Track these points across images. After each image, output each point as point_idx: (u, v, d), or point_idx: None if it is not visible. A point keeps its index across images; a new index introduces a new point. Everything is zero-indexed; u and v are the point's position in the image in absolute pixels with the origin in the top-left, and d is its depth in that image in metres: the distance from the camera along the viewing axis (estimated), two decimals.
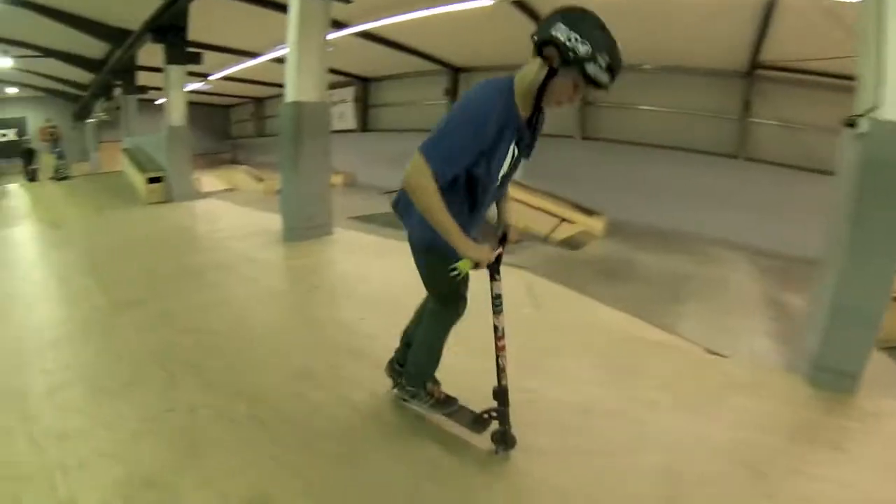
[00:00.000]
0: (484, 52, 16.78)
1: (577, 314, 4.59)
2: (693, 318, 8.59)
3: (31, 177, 18.47)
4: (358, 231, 7.77)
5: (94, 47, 17.20)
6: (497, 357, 2.42)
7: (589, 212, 14.83)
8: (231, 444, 2.63)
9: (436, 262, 2.27)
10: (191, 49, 12.05)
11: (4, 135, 26.26)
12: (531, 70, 2.03)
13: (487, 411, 2.55)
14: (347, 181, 21.69)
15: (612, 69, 1.95)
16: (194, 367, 3.45)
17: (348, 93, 22.63)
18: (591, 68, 1.91)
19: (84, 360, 3.68)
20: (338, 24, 15.01)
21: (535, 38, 1.98)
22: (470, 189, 2.18)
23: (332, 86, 23.04)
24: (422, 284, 2.48)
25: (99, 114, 19.97)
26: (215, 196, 13.18)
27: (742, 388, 3.41)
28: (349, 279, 5.63)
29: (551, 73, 1.97)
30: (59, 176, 17.54)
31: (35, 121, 26.90)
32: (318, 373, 3.38)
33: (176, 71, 11.71)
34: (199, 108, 27.11)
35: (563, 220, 14.16)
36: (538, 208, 14.14)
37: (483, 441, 2.61)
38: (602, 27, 1.92)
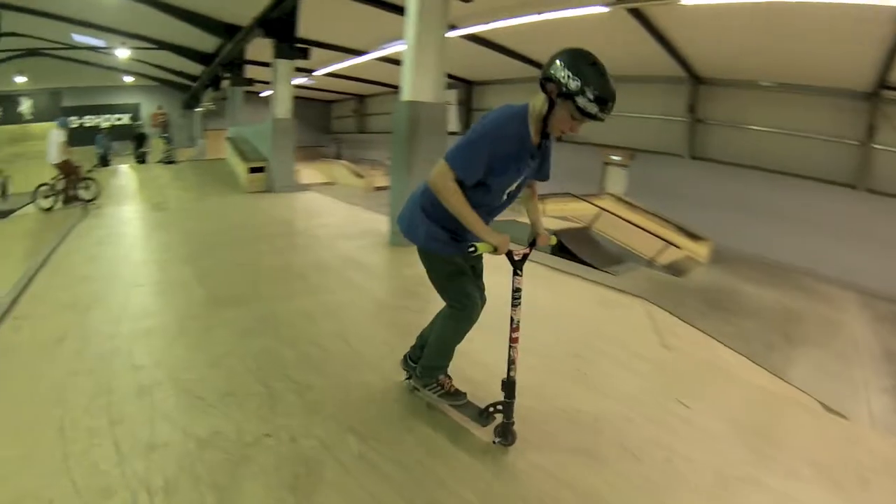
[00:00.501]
0: None
1: (701, 356, 4.08)
2: (805, 364, 7.94)
3: (141, 159, 19.43)
4: None
5: (205, 41, 18.00)
6: (509, 348, 2.54)
7: (694, 236, 14.17)
8: (340, 489, 2.27)
9: (439, 264, 2.60)
10: (299, 45, 12.32)
11: (119, 119, 27.93)
12: (538, 101, 2.31)
13: (493, 405, 2.66)
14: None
15: (601, 100, 2.14)
16: (296, 386, 3.10)
17: (452, 95, 22.64)
18: (580, 101, 2.14)
19: (177, 358, 3.50)
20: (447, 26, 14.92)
21: (541, 76, 2.24)
22: (481, 196, 2.44)
23: None
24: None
25: (207, 103, 20.85)
26: (314, 189, 13.32)
27: (888, 467, 2.91)
28: None
29: (551, 106, 2.25)
30: (167, 160, 18.37)
31: (147, 107, 28.54)
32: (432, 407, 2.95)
33: (283, 65, 11.99)
34: (302, 102, 27.97)
35: (670, 243, 13.55)
36: (644, 229, 13.58)
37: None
38: (593, 63, 2.15)
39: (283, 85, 11.96)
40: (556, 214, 15.61)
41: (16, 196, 21.08)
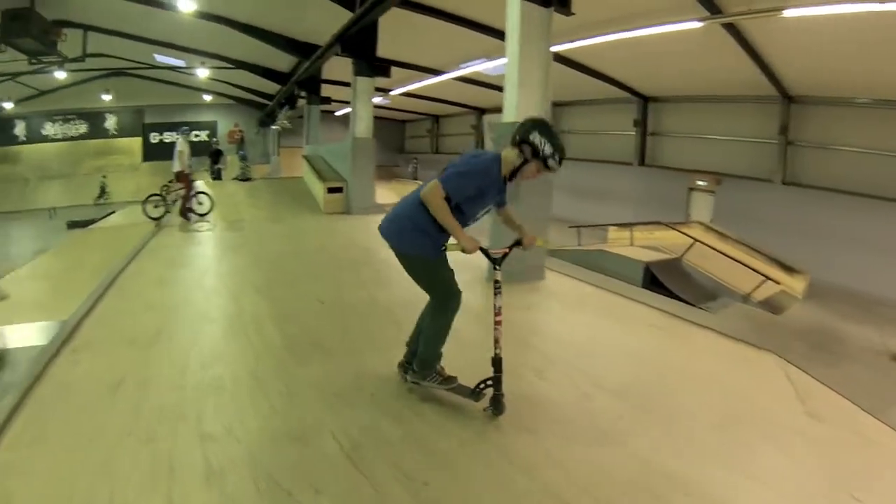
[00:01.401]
0: (679, 81, 15.53)
1: (852, 427, 3.31)
2: None
3: (216, 175, 19.67)
4: (569, 276, 6.56)
5: (282, 60, 18.27)
6: (495, 330, 3.07)
7: (789, 269, 13.13)
8: None
9: (420, 263, 3.17)
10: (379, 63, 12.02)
11: (198, 135, 28.61)
12: (511, 155, 3.07)
13: (482, 382, 3.12)
14: None
15: (562, 159, 3.03)
16: (407, 480, 2.48)
17: None
18: (551, 162, 3.01)
19: (254, 430, 2.91)
20: None
21: (517, 137, 3.02)
22: (456, 216, 3.03)
23: None
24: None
25: (282, 121, 21.01)
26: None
27: None
28: (574, 344, 4.36)
29: (525, 162, 3.04)
30: (242, 177, 18.49)
31: (224, 125, 29.24)
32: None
33: (363, 83, 11.65)
34: (376, 122, 27.61)
35: (768, 278, 12.54)
36: (738, 261, 12.62)
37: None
38: (556, 135, 3.04)
39: (362, 103, 11.62)
40: (645, 244, 14.75)
41: (89, 207, 22.10)
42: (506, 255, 3.22)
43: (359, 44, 11.45)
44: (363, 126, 11.57)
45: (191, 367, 3.69)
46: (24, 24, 12.72)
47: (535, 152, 2.97)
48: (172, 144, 23.05)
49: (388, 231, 3.18)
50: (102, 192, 26.25)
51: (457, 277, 3.23)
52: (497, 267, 3.16)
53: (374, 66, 11.65)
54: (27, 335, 5.01)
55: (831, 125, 13.92)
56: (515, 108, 6.02)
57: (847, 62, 11.35)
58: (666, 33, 10.93)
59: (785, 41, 11.23)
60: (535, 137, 2.96)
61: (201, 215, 10.49)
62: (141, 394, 3.27)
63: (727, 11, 9.99)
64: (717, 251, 13.68)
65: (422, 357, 3.24)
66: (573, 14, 6.63)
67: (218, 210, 11.31)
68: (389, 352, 3.82)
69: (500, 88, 18.80)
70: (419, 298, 3.38)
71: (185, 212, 10.28)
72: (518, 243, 3.28)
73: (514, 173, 3.09)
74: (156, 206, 10.31)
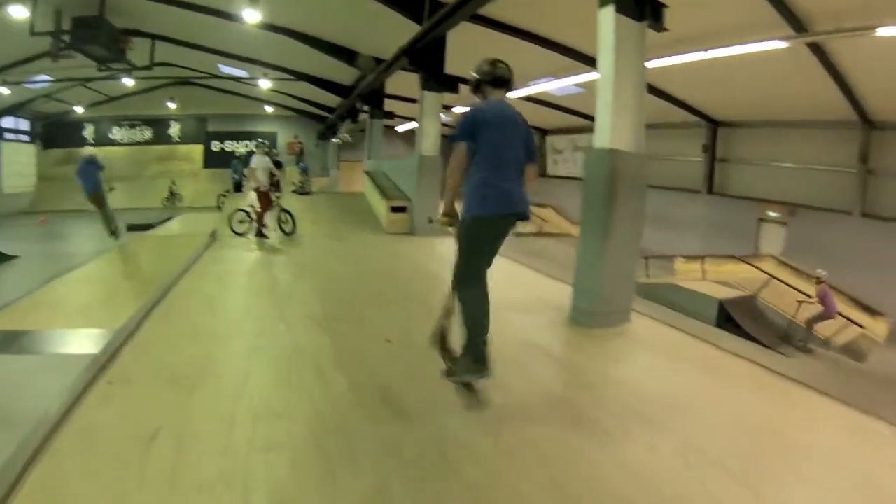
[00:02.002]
0: (753, 106, 14.60)
1: None
2: None
3: (275, 187, 19.48)
4: (654, 318, 5.72)
5: (344, 73, 18.14)
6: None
7: (870, 310, 12.06)
8: None
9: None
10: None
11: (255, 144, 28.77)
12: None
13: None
14: None
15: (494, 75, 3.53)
16: None
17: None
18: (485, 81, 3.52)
19: None
20: (594, 63, 13.70)
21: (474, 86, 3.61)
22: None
23: (579, 129, 22.22)
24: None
25: (343, 134, 20.82)
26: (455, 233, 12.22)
27: None
28: (676, 407, 3.58)
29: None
30: (301, 190, 18.25)
31: (284, 136, 29.48)
32: None
33: (430, 98, 11.10)
34: None
35: (850, 321, 11.50)
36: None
37: None
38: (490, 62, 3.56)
39: (429, 120, 11.10)
40: (717, 278, 13.86)
41: (151, 210, 22.30)
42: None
43: (427, 57, 10.96)
44: (430, 143, 11.04)
45: (239, 420, 3.06)
46: (93, 32, 13.00)
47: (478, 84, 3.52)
48: (232, 154, 23.21)
49: (525, 205, 3.39)
50: (172, 195, 26.68)
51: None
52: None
53: (442, 80, 11.13)
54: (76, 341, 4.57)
55: None
56: (610, 131, 5.29)
57: None
58: (744, 55, 10.33)
59: (871, 63, 10.49)
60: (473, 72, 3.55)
61: (287, 233, 10.10)
62: (179, 454, 2.66)
63: (812, 30, 9.38)
64: (794, 289, 12.76)
65: (469, 348, 3.27)
66: (666, 30, 5.93)
67: (274, 224, 10.92)
68: (469, 410, 3.18)
69: (564, 109, 18.43)
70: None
71: (260, 232, 9.80)
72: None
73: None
74: (241, 222, 9.94)
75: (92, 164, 9.42)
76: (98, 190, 9.42)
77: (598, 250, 5.28)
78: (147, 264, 8.10)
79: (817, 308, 11.40)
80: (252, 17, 12.97)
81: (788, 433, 3.27)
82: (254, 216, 9.79)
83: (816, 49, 10.20)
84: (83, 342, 4.32)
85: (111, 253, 9.19)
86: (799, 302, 12.11)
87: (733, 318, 11.35)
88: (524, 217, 3.37)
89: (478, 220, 3.24)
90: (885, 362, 10.51)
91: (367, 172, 14.28)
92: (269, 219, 9.92)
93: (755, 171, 16.61)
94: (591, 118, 20.54)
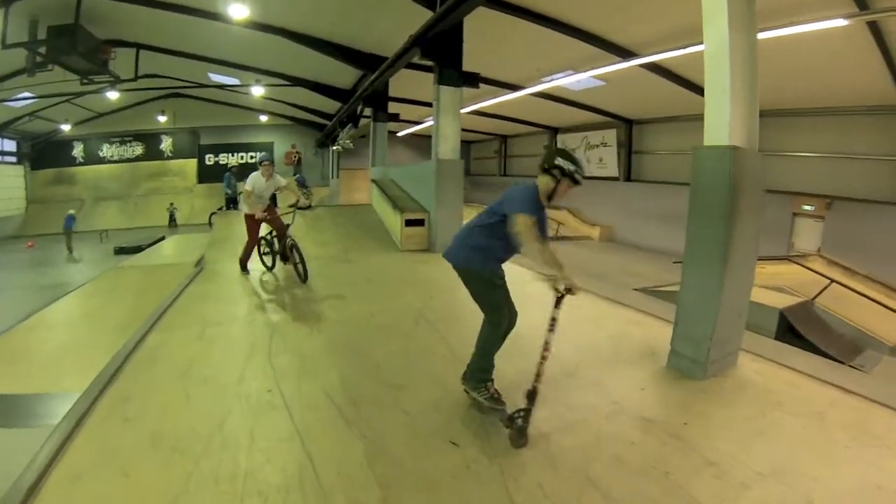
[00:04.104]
0: (796, 91, 13.16)
1: None
2: None
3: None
4: (765, 358, 4.37)
5: (343, 76, 17.05)
6: (539, 363, 3.15)
7: None
8: None
9: (477, 278, 3.45)
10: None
11: (253, 157, 27.70)
12: (545, 180, 3.40)
13: (518, 411, 3.18)
14: (604, 236, 19.22)
15: (581, 174, 3.41)
16: None
17: (611, 136, 20.00)
18: (577, 176, 3.38)
19: None
20: (624, 53, 12.50)
21: (546, 165, 3.39)
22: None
23: (593, 126, 20.97)
24: None
25: (344, 141, 19.51)
26: None
27: None
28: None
29: (558, 182, 3.38)
30: (301, 206, 16.81)
31: (281, 146, 28.25)
32: None
33: (448, 93, 9.61)
34: None
35: None
36: (883, 304, 10.29)
37: None
38: (572, 156, 3.42)
39: (448, 118, 9.60)
40: (768, 283, 12.43)
41: (144, 230, 21.22)
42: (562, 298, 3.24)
43: (442, 47, 9.54)
44: (449, 146, 9.53)
45: None
46: (69, 41, 12.15)
47: (563, 172, 3.35)
48: (225, 167, 21.88)
49: (456, 259, 3.51)
50: (172, 219, 25.66)
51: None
52: (559, 305, 3.22)
53: (462, 74, 9.69)
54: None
55: None
56: (728, 123, 3.92)
57: None
58: (793, 35, 9.09)
59: None
60: (560, 161, 3.35)
61: (302, 278, 7.47)
62: None
63: (873, 7, 8.22)
64: (855, 291, 11.47)
65: (471, 366, 3.56)
66: None
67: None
68: None
69: (579, 105, 16.71)
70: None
71: (284, 256, 7.79)
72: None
73: (552, 195, 3.42)
74: (265, 254, 8.14)
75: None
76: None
77: (715, 282, 3.89)
78: (119, 306, 6.73)
79: None
80: (239, 12, 11.64)
81: None
82: (275, 243, 7.98)
83: (874, 28, 8.94)
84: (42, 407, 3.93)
85: (85, 288, 7.91)
86: None
87: (795, 329, 10.03)
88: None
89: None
90: None
91: (374, 181, 12.87)
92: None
93: (788, 162, 15.24)
94: (608, 114, 19.17)
